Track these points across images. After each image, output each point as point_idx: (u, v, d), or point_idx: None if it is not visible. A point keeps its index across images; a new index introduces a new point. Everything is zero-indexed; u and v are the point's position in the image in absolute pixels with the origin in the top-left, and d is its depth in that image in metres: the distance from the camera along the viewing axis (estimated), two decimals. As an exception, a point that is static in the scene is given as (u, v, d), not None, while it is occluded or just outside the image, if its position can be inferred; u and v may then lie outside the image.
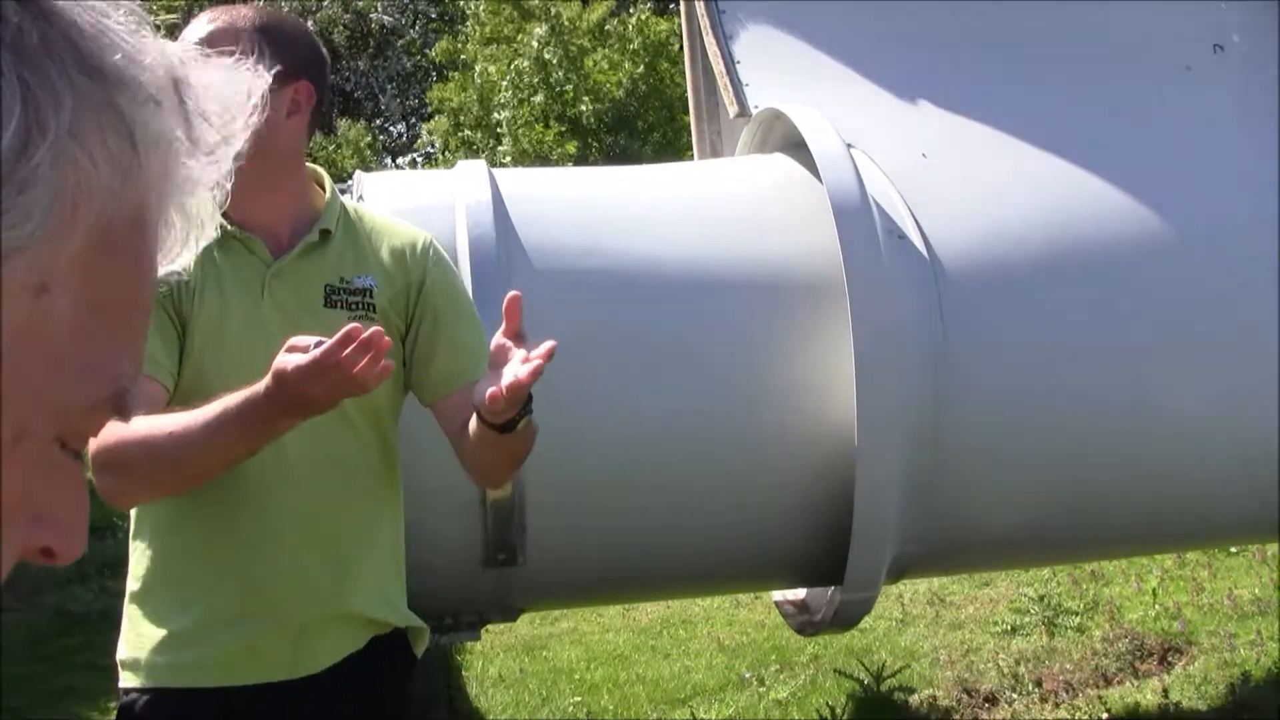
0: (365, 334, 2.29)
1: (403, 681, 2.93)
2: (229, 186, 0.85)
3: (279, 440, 2.58)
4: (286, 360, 2.35)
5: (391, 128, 30.75)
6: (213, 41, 2.58)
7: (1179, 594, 6.78)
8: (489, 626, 4.22)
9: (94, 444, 2.38)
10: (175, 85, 0.77)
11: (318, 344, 2.32)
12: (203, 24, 2.65)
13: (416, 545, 3.67)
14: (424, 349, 2.80)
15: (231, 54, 2.39)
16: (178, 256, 0.88)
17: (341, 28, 29.23)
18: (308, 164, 2.83)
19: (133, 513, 2.77)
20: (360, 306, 2.73)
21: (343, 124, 25.42)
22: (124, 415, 0.80)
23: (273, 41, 2.64)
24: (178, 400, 2.58)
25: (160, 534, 2.72)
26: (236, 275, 2.65)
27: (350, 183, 3.98)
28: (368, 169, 21.36)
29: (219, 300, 2.63)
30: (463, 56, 20.54)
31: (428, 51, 28.85)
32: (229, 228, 2.61)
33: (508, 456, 2.68)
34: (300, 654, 2.71)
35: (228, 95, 0.85)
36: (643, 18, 19.07)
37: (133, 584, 2.75)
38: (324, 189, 2.82)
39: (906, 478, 3.77)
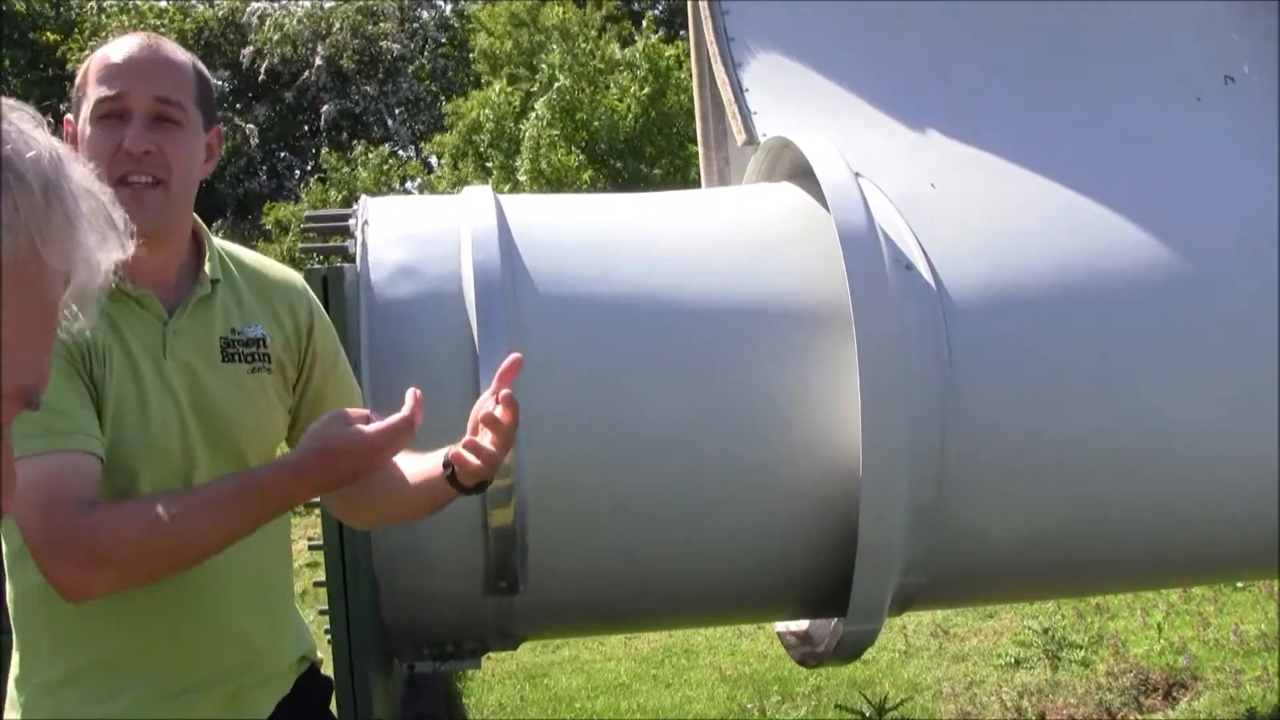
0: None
1: (327, 706, 2.90)
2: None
3: None
4: (339, 436, 2.35)
5: (401, 151, 30.76)
6: (155, 66, 2.51)
7: (1185, 629, 6.75)
8: (490, 654, 4.20)
9: (75, 537, 2.30)
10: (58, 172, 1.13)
11: (370, 417, 2.36)
12: (142, 49, 2.54)
13: (417, 572, 3.68)
14: (314, 396, 2.74)
15: (172, 84, 2.35)
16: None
17: (351, 52, 29.31)
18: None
19: (9, 596, 2.56)
20: (257, 358, 2.66)
21: (359, 146, 25.41)
22: (34, 407, 1.14)
23: (203, 83, 2.60)
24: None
25: (79, 614, 2.47)
26: (136, 336, 2.52)
27: (355, 206, 3.96)
28: (382, 192, 21.46)
29: (126, 363, 2.50)
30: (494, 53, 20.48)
31: (444, 76, 28.99)
32: (123, 284, 2.50)
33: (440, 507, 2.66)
34: (239, 715, 2.63)
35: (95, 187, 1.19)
36: (651, 42, 19.08)
37: (40, 672, 2.54)
38: (199, 234, 2.70)
39: (911, 509, 3.75)
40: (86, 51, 2.59)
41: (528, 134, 18.67)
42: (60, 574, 2.35)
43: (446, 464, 2.50)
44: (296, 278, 2.82)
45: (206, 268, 2.64)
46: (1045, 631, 6.53)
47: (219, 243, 2.72)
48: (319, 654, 2.92)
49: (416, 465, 2.59)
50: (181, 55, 2.60)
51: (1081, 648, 6.52)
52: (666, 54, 18.81)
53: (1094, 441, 3.97)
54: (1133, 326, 4.05)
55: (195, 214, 2.69)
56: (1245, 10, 4.85)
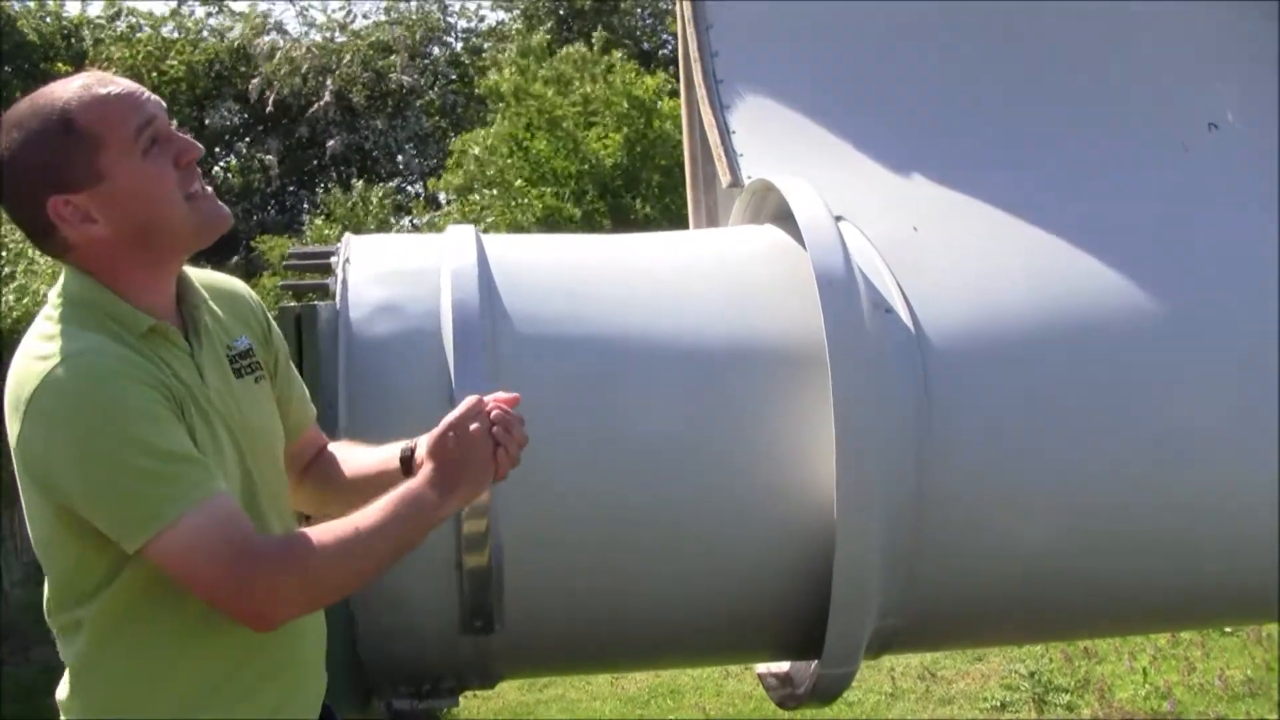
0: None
1: None
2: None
3: (268, 514, 2.64)
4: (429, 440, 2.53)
5: (409, 187, 30.83)
6: (136, 88, 2.53)
7: (1170, 673, 6.75)
8: (474, 692, 4.20)
9: (240, 564, 2.40)
10: None
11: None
12: (109, 81, 2.54)
13: (393, 608, 3.68)
14: (283, 395, 2.82)
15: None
16: None
17: (360, 86, 29.38)
18: None
19: (88, 624, 2.57)
20: (255, 368, 2.73)
21: (358, 184, 25.46)
22: None
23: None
24: None
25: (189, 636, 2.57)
26: (186, 375, 2.56)
27: (339, 244, 3.98)
28: (385, 228, 21.49)
29: (194, 406, 2.54)
30: (502, 88, 20.50)
31: (447, 112, 29.07)
32: (156, 324, 2.54)
33: None
34: None
35: None
36: (626, 79, 19.09)
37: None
38: None
39: (887, 552, 3.74)
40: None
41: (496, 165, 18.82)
42: (259, 612, 2.47)
43: (404, 459, 2.70)
44: (242, 285, 2.88)
45: (193, 290, 2.68)
46: (1032, 675, 6.53)
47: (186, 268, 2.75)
48: None
49: (373, 455, 2.77)
50: (152, 97, 2.62)
51: (1068, 692, 6.51)
52: (646, 82, 18.83)
53: (1075, 484, 3.97)
54: (1115, 371, 4.05)
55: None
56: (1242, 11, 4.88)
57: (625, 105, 18.50)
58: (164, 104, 2.56)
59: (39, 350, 2.44)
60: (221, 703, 2.58)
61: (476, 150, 19.77)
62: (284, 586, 2.44)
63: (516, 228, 17.35)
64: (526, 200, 18.15)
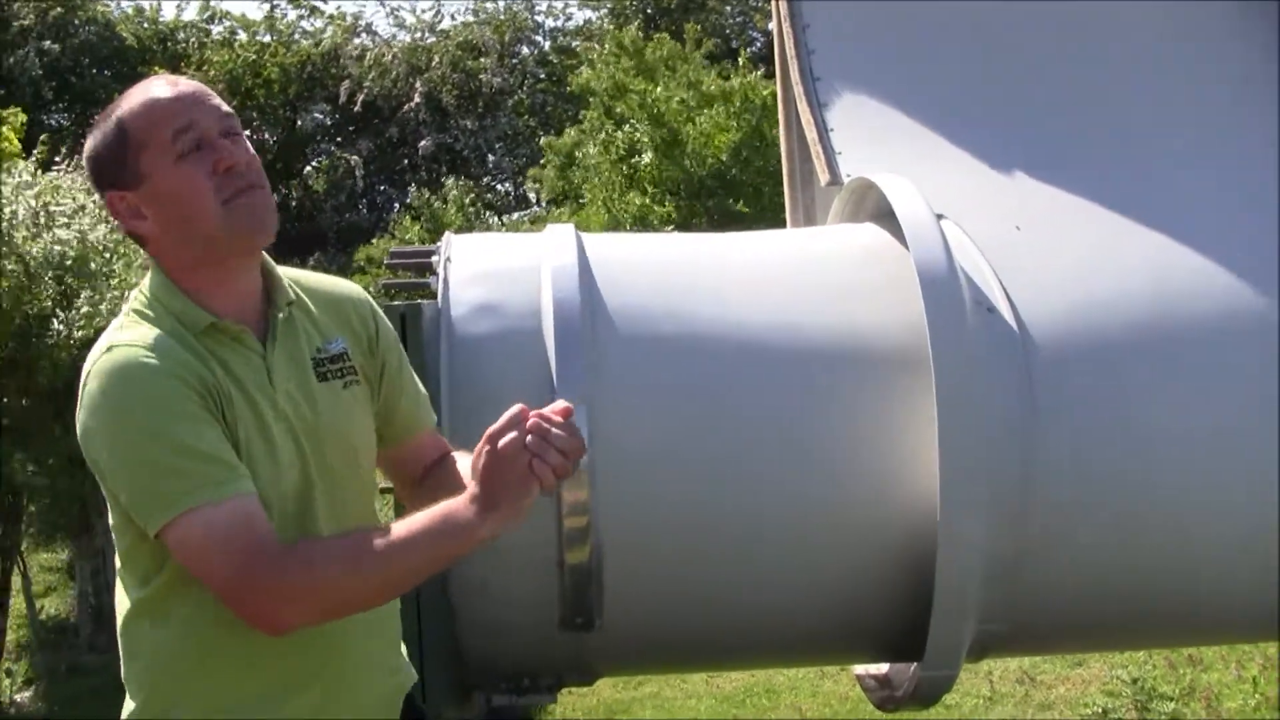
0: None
1: None
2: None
3: (321, 516, 2.63)
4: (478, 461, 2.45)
5: (499, 186, 31.00)
6: (198, 92, 2.58)
7: (1282, 683, 6.62)
8: (570, 688, 4.21)
9: (278, 580, 2.42)
10: None
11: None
12: (169, 83, 2.61)
13: (493, 605, 3.70)
14: (390, 399, 2.81)
15: (220, 100, 2.40)
16: None
17: (450, 86, 29.57)
18: None
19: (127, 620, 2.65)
20: (347, 372, 2.73)
21: (449, 182, 25.64)
22: None
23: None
24: None
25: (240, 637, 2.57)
26: (245, 374, 2.59)
27: (439, 243, 4.00)
28: (471, 226, 21.60)
29: (246, 404, 2.57)
30: (592, 86, 20.51)
31: (537, 111, 29.17)
32: (219, 323, 2.58)
33: None
34: None
35: None
36: (747, 79, 19.06)
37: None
38: (264, 260, 2.76)
39: (990, 556, 3.70)
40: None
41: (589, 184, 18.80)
42: (263, 615, 2.47)
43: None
44: (355, 288, 2.88)
45: (281, 291, 2.69)
46: (1135, 682, 6.41)
47: (283, 269, 2.78)
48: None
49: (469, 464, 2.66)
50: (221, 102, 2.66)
51: (1172, 700, 6.39)
52: (764, 91, 18.78)
53: (1182, 487, 3.91)
54: (1222, 373, 3.99)
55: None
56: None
57: (739, 103, 18.46)
58: (225, 111, 2.60)
59: (106, 339, 2.55)
60: (252, 704, 2.60)
61: (570, 151, 19.80)
62: (289, 592, 2.43)
63: (613, 226, 17.37)
64: (624, 200, 18.14)
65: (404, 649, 2.92)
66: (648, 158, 18.52)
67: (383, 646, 2.80)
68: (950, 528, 3.59)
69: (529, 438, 2.43)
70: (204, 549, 2.43)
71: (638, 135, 18.83)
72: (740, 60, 20.34)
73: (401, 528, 2.47)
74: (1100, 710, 6.35)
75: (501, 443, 2.43)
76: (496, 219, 25.82)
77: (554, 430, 2.44)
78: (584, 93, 21.39)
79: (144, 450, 2.46)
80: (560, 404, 2.50)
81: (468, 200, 24.21)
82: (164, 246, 2.61)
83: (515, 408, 2.48)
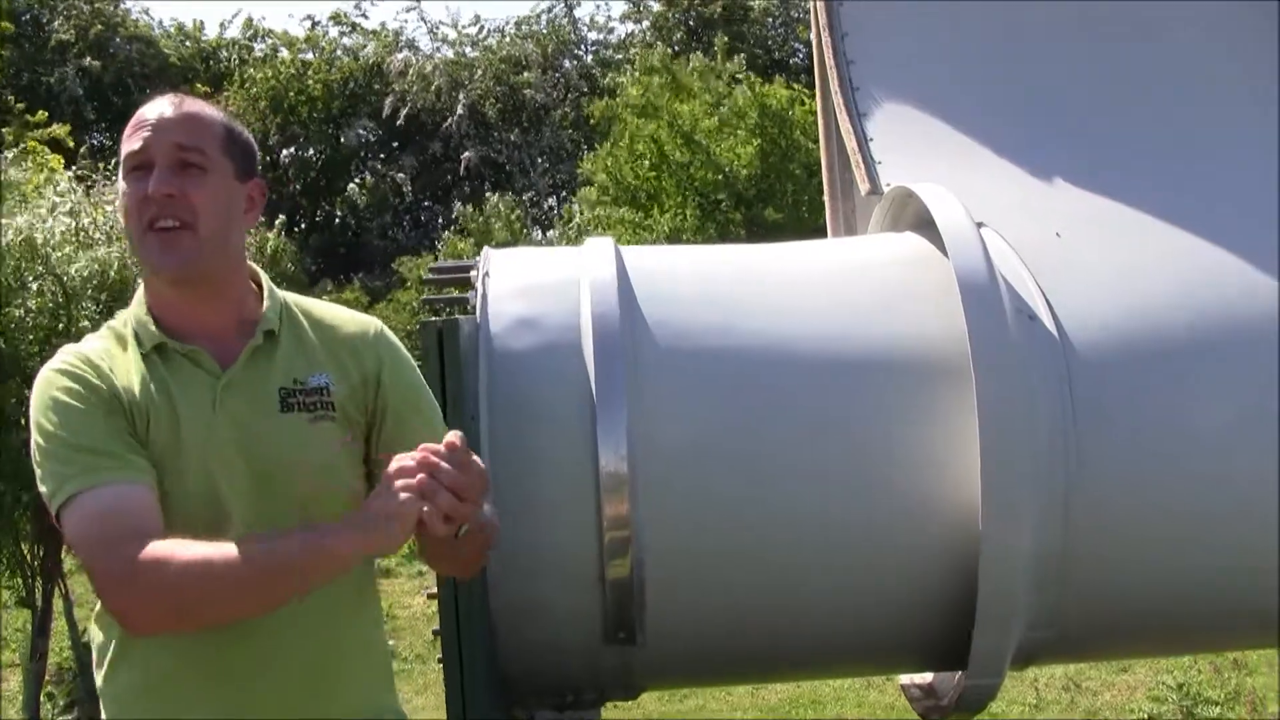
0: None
1: None
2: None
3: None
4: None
5: (542, 201, 31.04)
6: (177, 119, 2.60)
7: (1327, 686, 6.57)
8: (613, 704, 4.20)
9: (128, 562, 2.38)
10: None
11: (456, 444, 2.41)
12: (169, 106, 2.63)
13: (536, 622, 3.70)
14: (395, 438, 2.71)
15: (192, 132, 2.44)
16: None
17: (494, 100, 29.65)
18: (248, 262, 2.76)
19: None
20: (319, 406, 2.68)
21: (493, 197, 25.68)
22: None
23: (233, 135, 2.67)
24: None
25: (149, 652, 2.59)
26: (185, 392, 2.59)
27: (479, 258, 4.01)
28: (516, 241, 21.64)
29: (171, 420, 2.57)
30: (618, 116, 20.53)
31: (580, 125, 29.18)
32: (170, 343, 2.61)
33: (466, 559, 2.74)
34: None
35: None
36: (754, 89, 18.99)
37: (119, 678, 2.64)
38: (261, 287, 2.75)
39: (1034, 562, 3.69)
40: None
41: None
42: (117, 606, 2.47)
43: None
44: (372, 324, 2.84)
45: (262, 319, 2.68)
46: (1180, 687, 6.40)
47: (289, 295, 2.77)
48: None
49: None
50: (209, 110, 2.68)
51: (1218, 704, 6.37)
52: (779, 95, 18.70)
53: (1224, 492, 3.88)
54: (1263, 378, 3.96)
55: (257, 267, 2.77)
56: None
57: (756, 115, 18.42)
58: (191, 145, 2.60)
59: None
60: (151, 704, 2.59)
61: (607, 166, 19.79)
62: (140, 586, 2.39)
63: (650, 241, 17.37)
64: (662, 214, 18.15)
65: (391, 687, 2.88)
66: (678, 162, 18.55)
67: (312, 660, 2.69)
68: (994, 535, 3.58)
69: (419, 477, 2.36)
70: (75, 536, 2.47)
71: (667, 149, 18.82)
72: (731, 64, 20.29)
73: (266, 539, 2.43)
74: (1146, 716, 6.34)
75: (392, 468, 2.39)
76: (541, 234, 25.84)
77: (443, 466, 2.38)
78: (603, 120, 21.36)
79: (43, 446, 2.52)
80: (452, 435, 2.43)
81: (513, 215, 24.21)
82: None
83: (450, 436, 2.43)
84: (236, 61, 30.61)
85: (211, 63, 31.05)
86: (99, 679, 2.67)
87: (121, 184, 2.62)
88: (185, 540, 2.44)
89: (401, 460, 2.39)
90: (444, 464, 2.37)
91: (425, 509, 2.34)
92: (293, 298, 2.79)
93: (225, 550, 2.40)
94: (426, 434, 2.75)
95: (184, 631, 2.51)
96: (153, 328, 2.62)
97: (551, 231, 26.22)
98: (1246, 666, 6.92)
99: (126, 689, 2.62)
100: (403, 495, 2.34)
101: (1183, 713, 6.20)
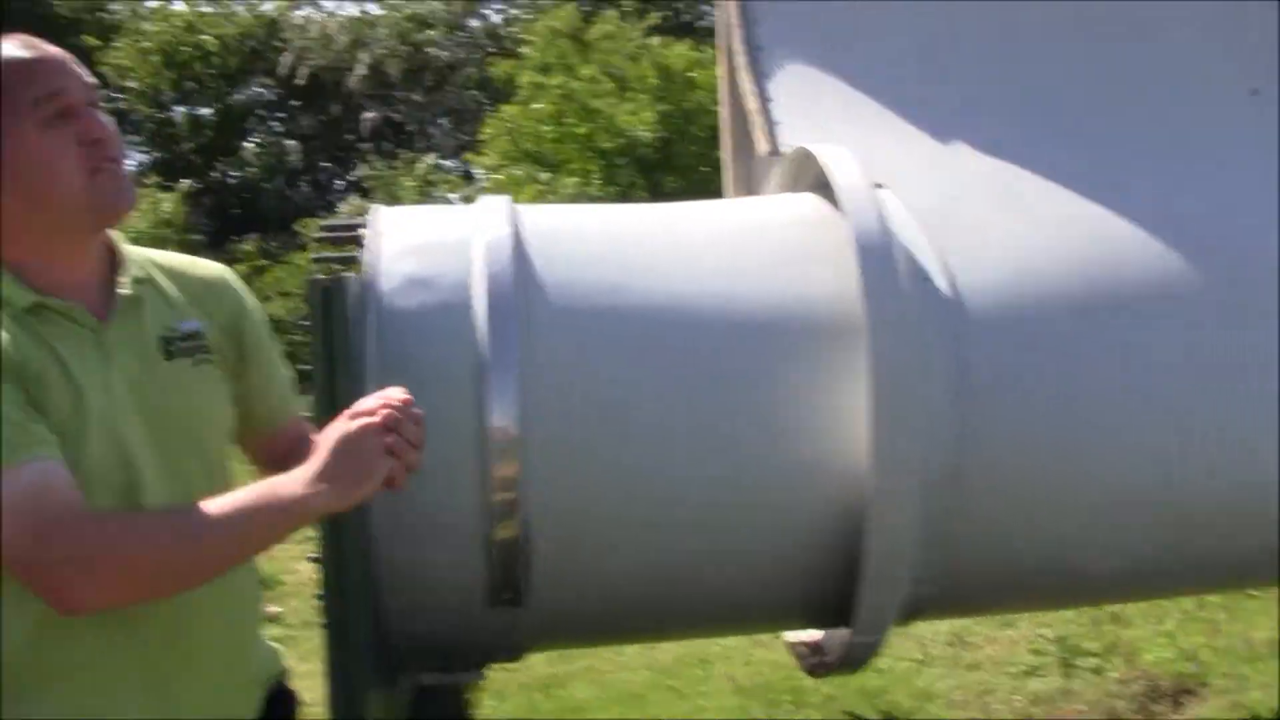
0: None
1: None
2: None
3: (148, 497, 2.53)
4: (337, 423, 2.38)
5: (445, 162, 30.80)
6: (65, 59, 2.50)
7: (1196, 636, 6.84)
8: (500, 665, 4.17)
9: (76, 549, 2.25)
10: None
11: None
12: (38, 46, 2.50)
13: (421, 584, 3.65)
14: (257, 384, 2.76)
15: (86, 72, 2.34)
16: None
17: (396, 60, 29.32)
18: None
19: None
20: (199, 350, 2.65)
21: (402, 157, 25.37)
22: None
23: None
24: None
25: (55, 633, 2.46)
26: (73, 352, 2.48)
27: (366, 216, 3.92)
28: (424, 203, 21.41)
29: (66, 383, 2.46)
30: (520, 79, 20.43)
31: (486, 85, 28.93)
32: (48, 300, 2.48)
33: None
34: None
35: None
36: (657, 49, 18.96)
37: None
38: (110, 239, 2.67)
39: (922, 520, 3.71)
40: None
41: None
42: (56, 588, 2.31)
43: None
44: (218, 269, 2.83)
45: (127, 269, 2.62)
46: (1059, 640, 6.62)
47: (135, 249, 2.70)
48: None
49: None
50: (63, 54, 2.56)
51: (1095, 655, 6.60)
52: (679, 52, 18.68)
53: (1114, 451, 3.93)
54: (1154, 339, 4.01)
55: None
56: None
57: (656, 78, 18.38)
58: (90, 81, 2.53)
59: None
60: (63, 691, 2.49)
61: (509, 129, 19.69)
62: (84, 563, 2.27)
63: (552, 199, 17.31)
64: (561, 178, 18.10)
65: (262, 633, 2.88)
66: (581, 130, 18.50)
67: (234, 632, 2.72)
68: (883, 494, 3.60)
69: (393, 436, 2.37)
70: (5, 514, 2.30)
71: (567, 120, 18.77)
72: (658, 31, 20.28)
73: (223, 500, 2.36)
74: (1028, 668, 6.53)
75: (360, 423, 2.37)
76: (451, 195, 25.62)
77: (410, 425, 2.40)
78: (505, 84, 21.26)
79: None
80: (399, 390, 2.45)
81: (426, 175, 23.93)
82: (4, 216, 2.49)
83: (395, 392, 2.44)
84: (129, 13, 29.98)
85: (100, 14, 30.35)
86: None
87: (40, 134, 2.44)
88: (127, 512, 2.41)
89: (366, 404, 2.40)
90: (406, 419, 2.39)
91: (393, 465, 2.36)
92: (139, 250, 2.71)
93: (179, 517, 2.36)
94: (278, 381, 2.89)
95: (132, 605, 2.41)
96: (22, 288, 2.47)
97: (453, 195, 26.03)
98: (1123, 620, 7.14)
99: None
100: (372, 445, 2.35)
101: (1062, 663, 6.40)
